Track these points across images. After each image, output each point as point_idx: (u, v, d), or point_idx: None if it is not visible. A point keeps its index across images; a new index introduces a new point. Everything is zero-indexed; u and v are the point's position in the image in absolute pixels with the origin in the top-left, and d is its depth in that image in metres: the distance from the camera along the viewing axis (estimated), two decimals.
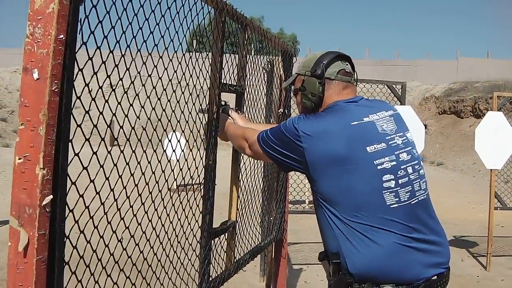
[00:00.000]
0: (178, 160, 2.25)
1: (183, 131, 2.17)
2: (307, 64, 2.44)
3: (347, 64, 2.44)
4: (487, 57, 41.40)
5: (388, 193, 2.15)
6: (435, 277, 2.18)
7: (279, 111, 3.88)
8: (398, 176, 2.18)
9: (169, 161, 2.24)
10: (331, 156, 2.15)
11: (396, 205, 2.15)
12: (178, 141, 2.44)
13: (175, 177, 2.47)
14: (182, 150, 2.32)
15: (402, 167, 2.21)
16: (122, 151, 1.86)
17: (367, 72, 33.97)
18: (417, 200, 2.21)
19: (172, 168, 2.29)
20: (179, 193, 2.34)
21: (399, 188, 2.17)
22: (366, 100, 2.41)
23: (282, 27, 67.29)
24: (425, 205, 2.26)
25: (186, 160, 2.43)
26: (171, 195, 2.31)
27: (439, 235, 2.26)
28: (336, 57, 2.42)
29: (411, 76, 35.28)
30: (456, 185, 16.16)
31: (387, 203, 2.15)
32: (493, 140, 6.57)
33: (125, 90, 1.76)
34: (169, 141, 2.22)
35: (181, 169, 2.38)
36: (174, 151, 2.31)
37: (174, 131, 2.28)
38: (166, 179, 2.25)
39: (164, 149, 2.25)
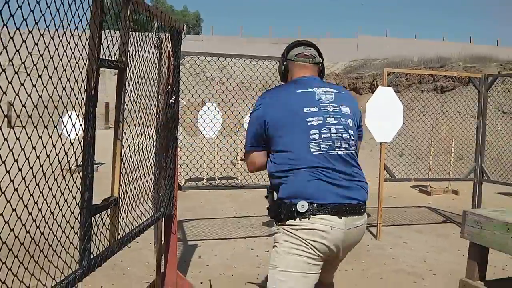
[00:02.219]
0: (77, 141, 2.24)
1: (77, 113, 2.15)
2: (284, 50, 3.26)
3: (309, 49, 3.17)
4: (386, 36, 42.61)
5: (312, 142, 2.85)
6: (346, 204, 2.82)
7: (167, 89, 3.87)
8: (321, 132, 2.88)
9: (72, 143, 2.22)
10: (277, 116, 2.91)
11: (317, 152, 2.85)
12: (74, 122, 2.44)
13: (76, 158, 2.45)
14: (77, 133, 2.30)
15: (326, 126, 2.90)
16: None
17: (271, 50, 34.22)
18: (335, 152, 2.88)
19: (74, 150, 2.30)
20: (78, 173, 2.43)
21: (321, 140, 2.86)
22: (318, 78, 3.15)
23: (185, 5, 66.69)
24: (343, 158, 2.90)
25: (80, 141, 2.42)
26: (72, 175, 2.32)
27: (352, 179, 2.90)
28: (298, 44, 3.21)
29: None
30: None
31: (311, 150, 2.84)
32: (383, 114, 6.80)
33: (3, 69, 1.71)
34: (69, 121, 2.21)
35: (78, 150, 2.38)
36: (68, 132, 2.31)
37: (71, 110, 2.26)
38: (60, 161, 2.26)
39: (60, 130, 2.22)
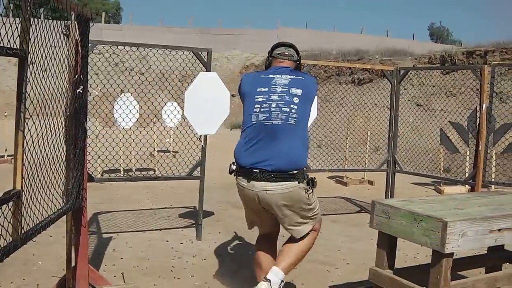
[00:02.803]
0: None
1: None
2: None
3: (290, 50, 4.13)
4: (306, 28, 43.04)
5: (253, 114, 3.80)
6: (256, 170, 3.68)
7: (74, 78, 3.76)
8: (262, 106, 3.79)
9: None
10: (244, 92, 3.96)
11: (255, 121, 3.78)
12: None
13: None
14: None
15: (268, 102, 3.79)
16: None
17: (191, 41, 34.05)
18: (270, 123, 3.73)
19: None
20: None
21: (260, 113, 3.78)
22: (288, 69, 4.03)
23: None
24: (275, 128, 3.71)
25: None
26: None
27: (274, 148, 3.66)
28: (281, 45, 4.17)
29: (233, 45, 35.84)
30: None
31: (252, 120, 3.79)
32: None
33: None
34: None
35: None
36: None
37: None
38: None
39: None
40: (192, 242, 6.35)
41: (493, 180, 9.75)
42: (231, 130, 22.23)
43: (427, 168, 10.42)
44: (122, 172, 10.60)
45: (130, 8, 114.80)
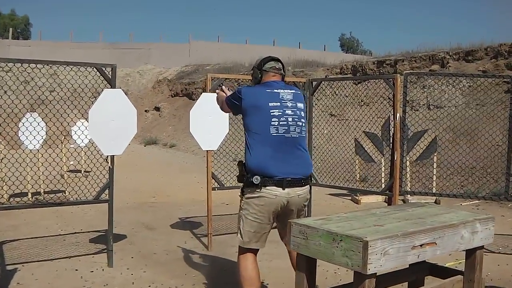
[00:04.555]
0: None
1: None
2: (257, 61, 4.45)
3: (278, 63, 4.42)
4: (218, 41, 43.00)
5: (272, 127, 4.11)
6: (289, 179, 4.09)
7: None
8: (280, 120, 4.13)
9: None
10: (251, 104, 4.17)
11: (275, 134, 4.11)
12: None
13: None
14: None
15: (284, 117, 4.15)
16: None
17: (102, 56, 33.32)
18: (290, 135, 4.15)
19: None
20: None
21: (279, 126, 4.12)
22: (283, 83, 4.38)
23: (13, 8, 63.19)
24: (294, 140, 4.18)
25: None
26: None
27: (297, 158, 4.18)
28: (271, 60, 4.42)
29: (145, 59, 35.33)
30: (187, 166, 16.44)
31: (270, 132, 4.11)
32: (207, 121, 6.58)
33: None
34: None
35: None
36: None
37: None
38: None
39: None
40: (103, 270, 5.95)
41: (409, 189, 9.81)
42: (145, 146, 21.79)
43: (344, 178, 10.38)
44: (29, 196, 10.04)
45: (40, 23, 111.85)
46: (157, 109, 27.02)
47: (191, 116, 6.62)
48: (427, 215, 4.03)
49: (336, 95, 16.85)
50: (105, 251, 6.33)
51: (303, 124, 4.30)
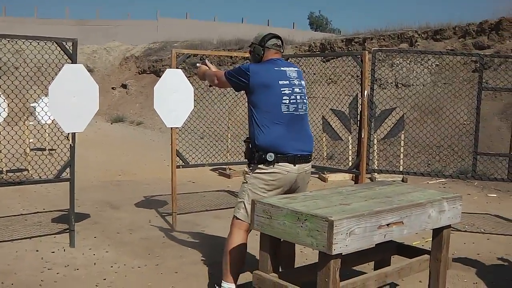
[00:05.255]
0: None
1: None
2: (257, 38, 4.43)
3: (279, 40, 4.41)
4: (186, 18, 42.59)
5: (283, 105, 4.17)
6: (299, 155, 4.18)
7: None
8: (291, 98, 4.20)
9: None
10: (261, 83, 4.17)
11: (286, 112, 4.18)
12: None
13: None
14: None
15: (294, 95, 4.22)
16: None
17: (68, 32, 32.67)
18: (298, 113, 4.24)
19: None
20: None
21: (290, 104, 4.19)
22: (284, 61, 4.55)
23: None
24: (302, 117, 4.30)
25: None
26: None
27: (305, 135, 4.31)
28: (272, 37, 4.39)
29: (112, 36, 34.80)
30: (154, 144, 16.22)
31: (282, 110, 4.16)
32: (172, 98, 6.42)
33: None
34: None
35: None
36: None
37: None
38: None
39: None
40: (64, 250, 5.79)
41: (376, 167, 9.78)
42: (111, 124, 21.49)
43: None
44: (4, 172, 9.79)
45: None
46: (124, 86, 26.57)
47: (155, 92, 6.45)
48: (394, 194, 3.98)
49: (305, 72, 16.70)
50: (68, 231, 6.17)
51: (307, 102, 4.41)
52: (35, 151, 10.93)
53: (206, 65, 4.86)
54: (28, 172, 10.06)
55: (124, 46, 30.93)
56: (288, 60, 7.64)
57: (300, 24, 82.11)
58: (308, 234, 3.18)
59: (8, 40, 5.58)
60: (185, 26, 36.03)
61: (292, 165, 4.16)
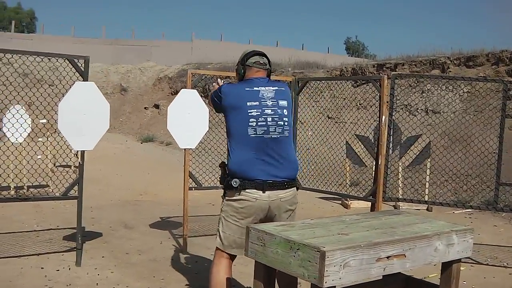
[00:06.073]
0: None
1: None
2: (240, 57, 4.22)
3: (262, 58, 4.19)
4: (221, 40, 42.83)
5: (250, 128, 3.91)
6: (270, 181, 3.92)
7: None
8: (258, 120, 3.92)
9: None
10: (229, 104, 4.01)
11: (254, 135, 3.92)
12: None
13: None
14: None
15: (263, 117, 3.94)
16: None
17: (103, 52, 33.16)
18: (270, 136, 3.94)
19: None
20: None
21: (257, 127, 3.92)
22: (266, 79, 4.18)
23: (20, 2, 63.06)
24: (277, 140, 3.97)
25: None
26: None
27: (280, 159, 3.98)
28: (255, 54, 4.18)
29: (147, 56, 35.12)
30: (180, 164, 16.09)
31: (248, 133, 3.91)
32: (186, 118, 6.33)
33: None
34: None
35: None
36: None
37: None
38: None
39: None
40: (70, 269, 5.72)
41: (400, 195, 9.54)
42: (141, 143, 21.54)
43: (336, 182, 10.11)
44: (12, 190, 9.80)
45: (44, 17, 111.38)
46: (157, 106, 26.71)
47: (169, 113, 6.36)
48: (400, 225, 3.78)
49: (334, 97, 16.60)
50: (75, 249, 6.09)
51: (286, 124, 4.05)
52: (59, 168, 10.93)
53: (219, 85, 4.65)
54: (49, 188, 10.04)
55: (158, 66, 31.15)
56: (307, 84, 7.49)
57: (336, 49, 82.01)
58: (300, 265, 3.01)
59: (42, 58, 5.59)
60: (220, 48, 36.18)
61: (261, 191, 3.92)
